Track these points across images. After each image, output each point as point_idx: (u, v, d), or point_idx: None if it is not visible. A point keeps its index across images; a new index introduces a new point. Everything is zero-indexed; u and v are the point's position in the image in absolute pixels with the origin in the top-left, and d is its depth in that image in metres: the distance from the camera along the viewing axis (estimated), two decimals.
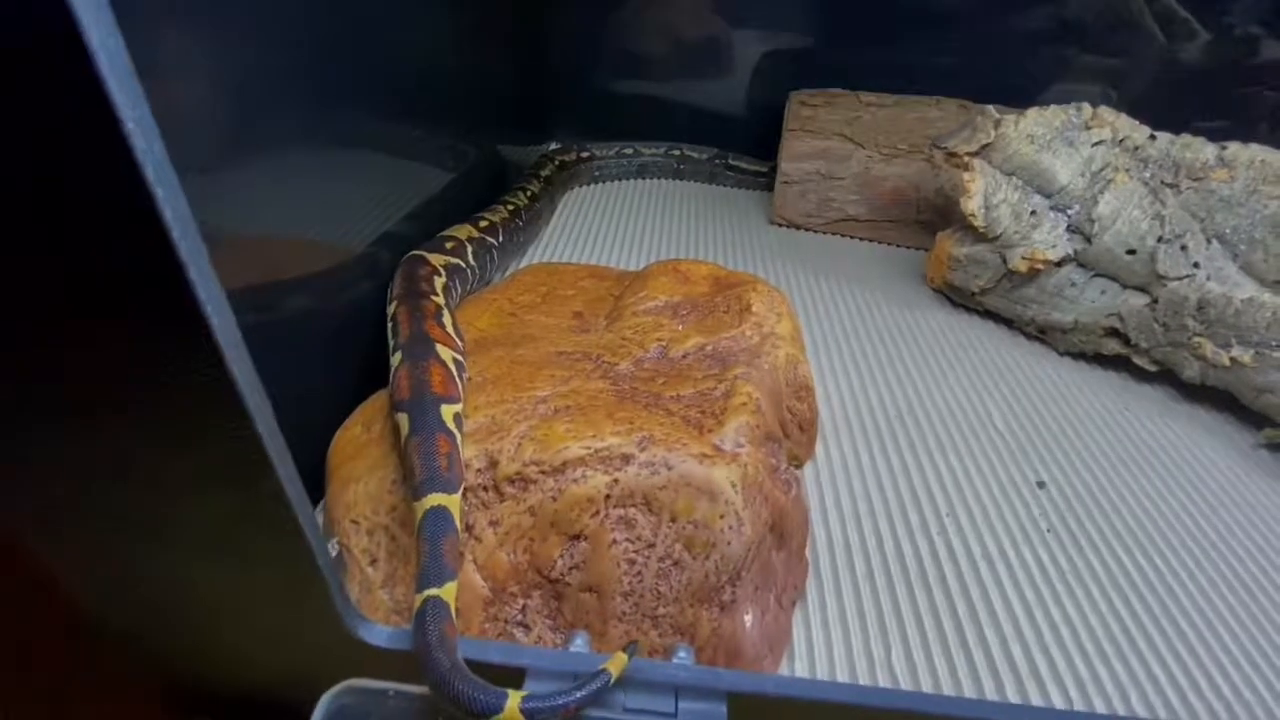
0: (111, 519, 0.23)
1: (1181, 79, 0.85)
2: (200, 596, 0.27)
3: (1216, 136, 0.62)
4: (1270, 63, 0.83)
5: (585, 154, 0.92)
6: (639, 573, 0.34)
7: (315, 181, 0.44)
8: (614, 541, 0.34)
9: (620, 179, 0.96)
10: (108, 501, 0.22)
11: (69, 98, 0.14)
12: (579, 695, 0.26)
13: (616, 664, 0.27)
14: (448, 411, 0.36)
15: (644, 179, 0.97)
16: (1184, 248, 0.57)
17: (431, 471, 0.33)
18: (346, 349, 0.46)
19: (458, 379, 0.39)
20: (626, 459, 0.35)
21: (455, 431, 0.35)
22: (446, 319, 0.44)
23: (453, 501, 0.32)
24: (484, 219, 0.63)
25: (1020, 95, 0.82)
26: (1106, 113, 0.64)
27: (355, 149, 0.50)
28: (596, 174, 0.94)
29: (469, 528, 0.35)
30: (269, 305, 0.38)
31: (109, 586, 0.27)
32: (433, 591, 0.28)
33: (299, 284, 0.42)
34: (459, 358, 0.41)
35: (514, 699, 0.25)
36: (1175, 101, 0.85)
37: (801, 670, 0.37)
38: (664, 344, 0.46)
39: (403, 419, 0.36)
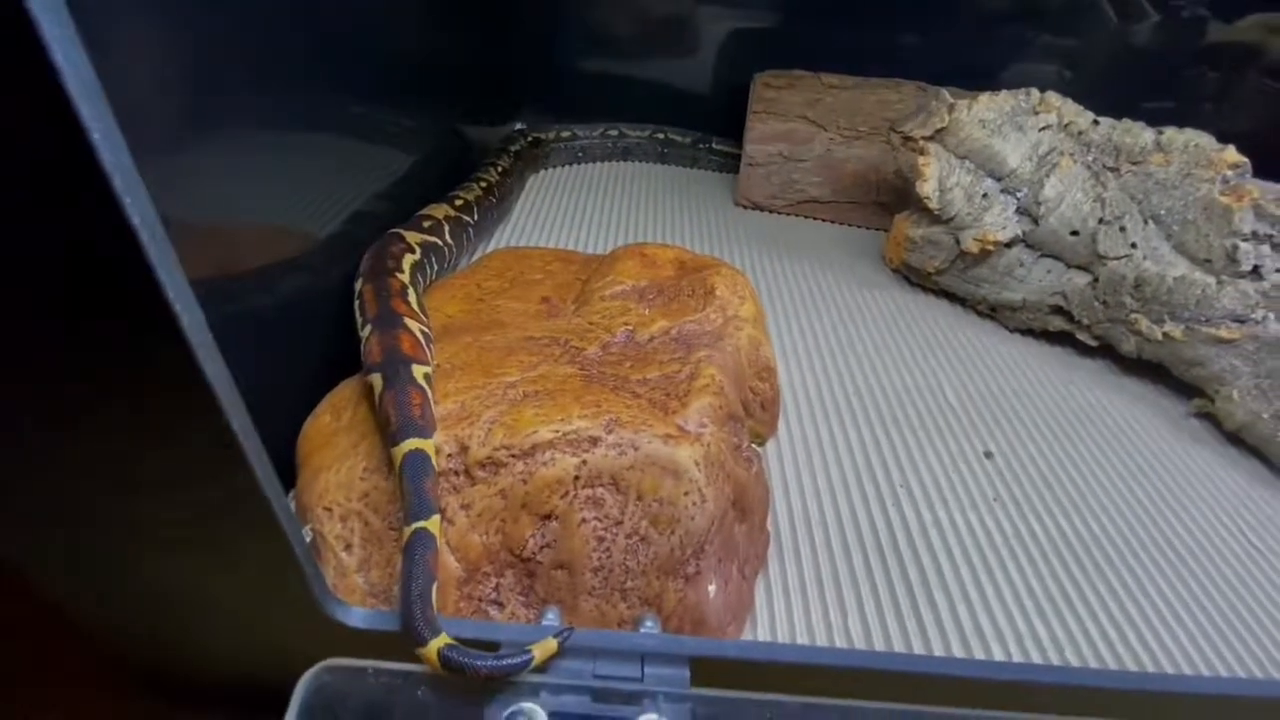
0: (86, 515, 0.23)
1: (1132, 60, 0.88)
2: (177, 587, 0.27)
3: (1163, 117, 0.65)
4: (1214, 45, 0.86)
5: (566, 133, 0.92)
6: (608, 549, 0.35)
7: (275, 164, 0.44)
8: (583, 520, 0.35)
9: (602, 160, 0.96)
10: (82, 498, 0.23)
11: (35, 108, 0.14)
12: (495, 664, 0.27)
13: (544, 649, 0.28)
14: (418, 371, 0.38)
15: (627, 161, 0.96)
16: (1123, 229, 0.60)
17: (406, 419, 0.35)
18: (313, 335, 0.46)
19: (426, 347, 0.40)
20: (594, 441, 0.36)
21: (426, 388, 0.37)
22: (412, 297, 0.45)
23: (428, 445, 0.34)
24: (459, 197, 0.64)
25: (979, 76, 0.84)
26: (1053, 97, 0.67)
27: (319, 132, 0.50)
28: (580, 155, 0.94)
29: (441, 511, 0.36)
30: (233, 292, 0.38)
31: (83, 578, 0.28)
32: (420, 524, 0.31)
33: (262, 270, 0.42)
34: (426, 330, 0.42)
35: (439, 641, 0.27)
36: (1125, 82, 0.88)
37: (763, 636, 0.39)
38: (631, 328, 0.47)
39: (376, 379, 0.37)
